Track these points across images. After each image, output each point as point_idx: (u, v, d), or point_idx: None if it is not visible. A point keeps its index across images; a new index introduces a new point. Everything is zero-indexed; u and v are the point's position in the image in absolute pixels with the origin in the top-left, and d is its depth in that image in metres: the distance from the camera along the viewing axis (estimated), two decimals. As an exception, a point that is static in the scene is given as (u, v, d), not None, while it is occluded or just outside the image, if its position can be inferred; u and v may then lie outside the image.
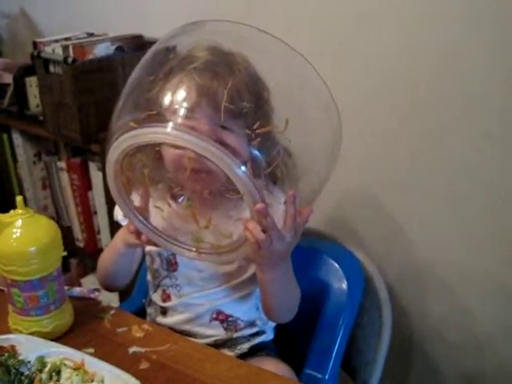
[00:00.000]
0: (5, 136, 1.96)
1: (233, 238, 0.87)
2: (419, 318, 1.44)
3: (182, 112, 0.83)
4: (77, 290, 1.01)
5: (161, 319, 1.10)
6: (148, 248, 1.08)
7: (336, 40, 1.36)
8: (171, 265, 1.06)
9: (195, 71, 0.89)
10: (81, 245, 1.88)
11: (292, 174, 0.98)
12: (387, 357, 1.13)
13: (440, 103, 1.25)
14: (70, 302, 0.95)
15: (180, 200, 0.94)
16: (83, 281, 1.99)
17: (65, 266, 2.05)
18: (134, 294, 1.29)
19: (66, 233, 1.90)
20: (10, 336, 0.87)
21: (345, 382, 1.15)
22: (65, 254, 0.91)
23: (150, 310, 1.15)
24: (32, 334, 0.89)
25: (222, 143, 0.80)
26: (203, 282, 1.05)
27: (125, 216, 0.96)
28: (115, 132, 0.83)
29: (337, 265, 1.10)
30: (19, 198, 0.87)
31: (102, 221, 1.76)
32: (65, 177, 1.82)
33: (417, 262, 1.39)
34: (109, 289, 1.15)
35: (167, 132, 0.77)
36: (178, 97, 0.86)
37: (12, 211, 0.88)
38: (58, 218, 1.98)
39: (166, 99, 0.85)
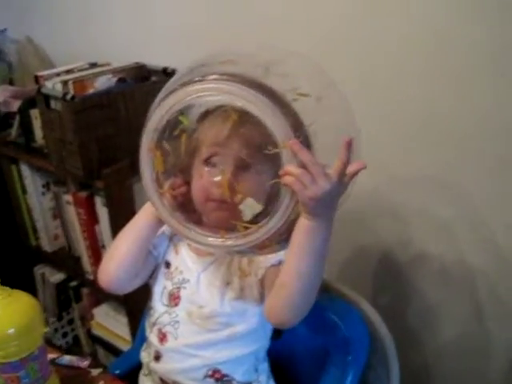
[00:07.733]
0: (13, 167, 1.94)
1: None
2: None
3: None
4: (66, 359, 0.99)
5: (154, 365, 1.07)
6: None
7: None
8: (173, 299, 1.04)
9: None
10: (91, 277, 1.85)
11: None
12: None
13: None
14: (56, 377, 0.92)
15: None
16: (95, 311, 1.97)
17: (77, 295, 2.05)
18: (136, 344, 1.26)
19: (78, 263, 1.89)
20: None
21: None
22: (46, 330, 0.87)
23: (143, 355, 1.11)
24: (16, 413, 0.86)
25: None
26: (202, 321, 1.00)
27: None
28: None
29: (340, 323, 1.05)
30: (-5, 280, 0.83)
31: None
32: (72, 210, 1.80)
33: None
34: (111, 283, 1.04)
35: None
36: None
37: (-12, 292, 0.84)
38: (69, 248, 1.96)
39: None
